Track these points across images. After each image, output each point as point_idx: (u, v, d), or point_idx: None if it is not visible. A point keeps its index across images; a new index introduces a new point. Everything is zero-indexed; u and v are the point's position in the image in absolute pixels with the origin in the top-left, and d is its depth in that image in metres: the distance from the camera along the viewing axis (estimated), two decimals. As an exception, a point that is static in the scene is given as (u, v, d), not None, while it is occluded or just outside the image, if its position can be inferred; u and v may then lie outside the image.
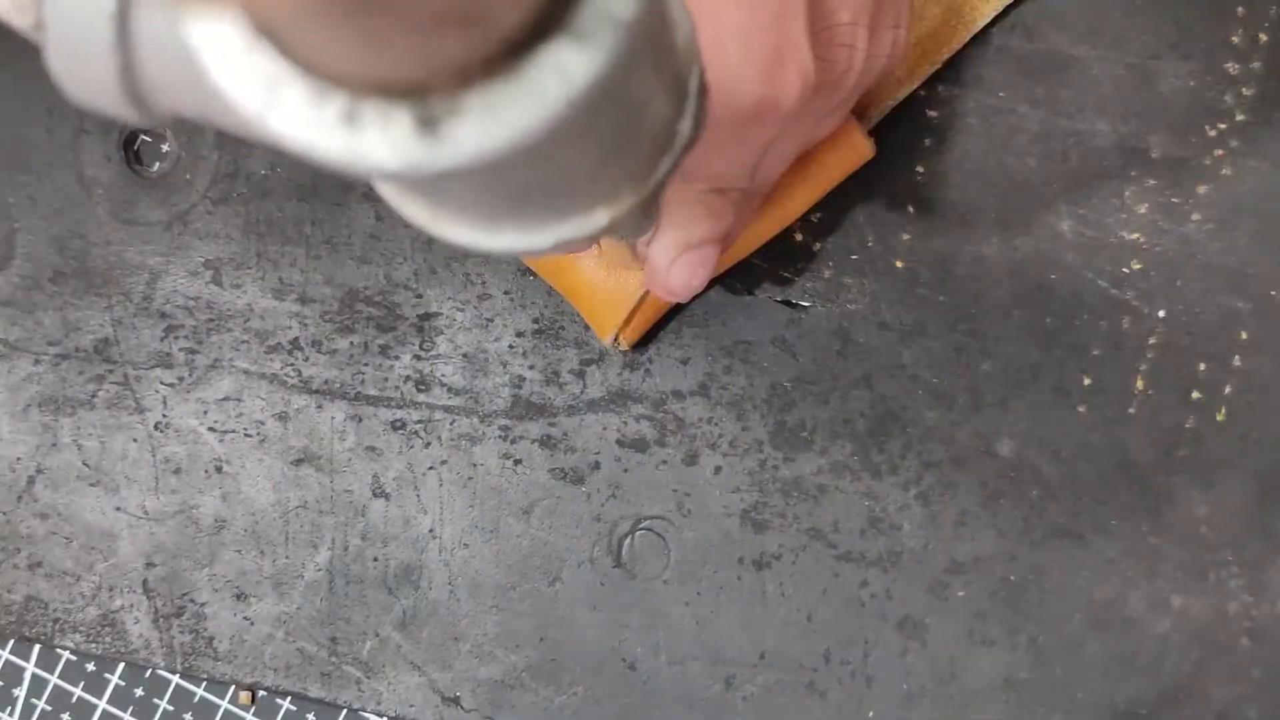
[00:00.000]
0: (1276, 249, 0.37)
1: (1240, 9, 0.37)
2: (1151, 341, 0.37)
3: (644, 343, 0.37)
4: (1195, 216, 0.37)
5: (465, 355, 0.38)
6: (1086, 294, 0.37)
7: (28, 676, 0.40)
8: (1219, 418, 0.37)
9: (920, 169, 0.37)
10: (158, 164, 0.39)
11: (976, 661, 0.37)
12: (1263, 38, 0.37)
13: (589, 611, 0.38)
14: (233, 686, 0.40)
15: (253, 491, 0.38)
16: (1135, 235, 0.37)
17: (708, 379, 0.38)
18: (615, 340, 0.36)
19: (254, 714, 0.40)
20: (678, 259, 0.31)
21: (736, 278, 0.38)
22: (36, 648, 0.40)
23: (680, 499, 0.38)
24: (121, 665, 0.40)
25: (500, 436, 0.38)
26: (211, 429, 0.38)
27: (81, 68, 0.16)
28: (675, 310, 0.37)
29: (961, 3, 0.36)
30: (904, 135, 0.37)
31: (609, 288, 0.35)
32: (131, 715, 0.40)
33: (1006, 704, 0.37)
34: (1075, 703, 0.37)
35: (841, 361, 0.38)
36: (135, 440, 0.38)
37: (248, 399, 0.38)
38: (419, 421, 0.38)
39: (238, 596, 0.38)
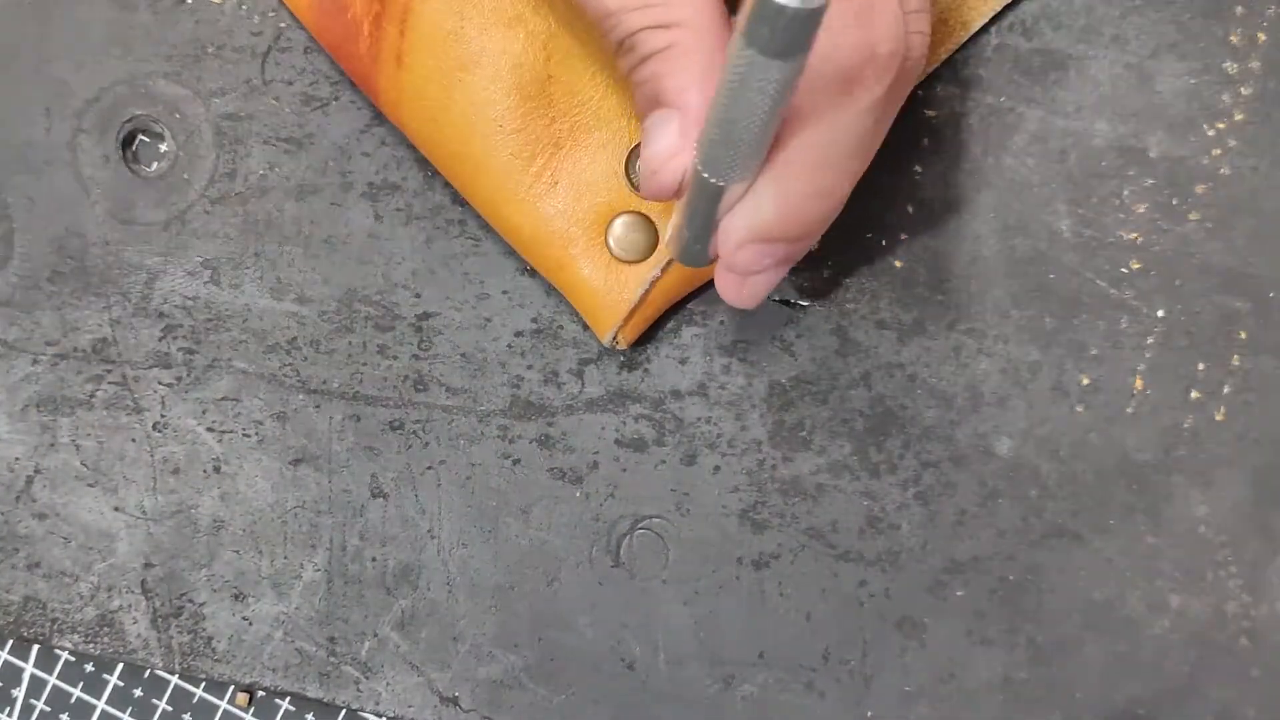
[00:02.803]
0: (1275, 249, 0.37)
1: (1239, 8, 0.37)
2: (1150, 341, 0.37)
3: (642, 341, 0.37)
4: (1194, 216, 0.37)
5: (464, 355, 0.38)
6: (1085, 293, 0.37)
7: (26, 677, 0.40)
8: (1218, 417, 0.37)
9: (918, 169, 0.37)
10: (156, 163, 0.39)
11: (975, 661, 0.37)
12: (1261, 37, 0.37)
13: (587, 611, 0.38)
14: (231, 687, 0.40)
15: (251, 492, 0.38)
16: (1134, 235, 0.37)
17: (706, 378, 0.38)
18: (614, 340, 0.36)
19: (252, 714, 0.40)
20: (748, 245, 0.30)
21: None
22: (35, 648, 0.40)
23: (679, 499, 0.38)
24: (120, 666, 0.40)
25: (499, 436, 0.38)
26: (210, 429, 0.38)
27: None
28: (673, 309, 0.37)
29: (959, 3, 0.36)
30: (902, 135, 0.37)
31: (608, 287, 0.35)
32: (130, 716, 0.40)
33: (1005, 703, 0.37)
34: (1074, 702, 0.37)
35: (840, 361, 0.38)
36: (133, 440, 0.38)
37: (246, 399, 0.38)
38: (417, 421, 0.38)
39: (236, 597, 0.38)
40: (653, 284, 0.35)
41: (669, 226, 0.32)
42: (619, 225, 0.35)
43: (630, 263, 0.35)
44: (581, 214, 0.35)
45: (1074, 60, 0.37)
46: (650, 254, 0.35)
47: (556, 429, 0.38)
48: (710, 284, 0.37)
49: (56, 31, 0.38)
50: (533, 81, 0.34)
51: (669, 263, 0.35)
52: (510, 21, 0.33)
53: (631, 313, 0.36)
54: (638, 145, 0.34)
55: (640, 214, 0.35)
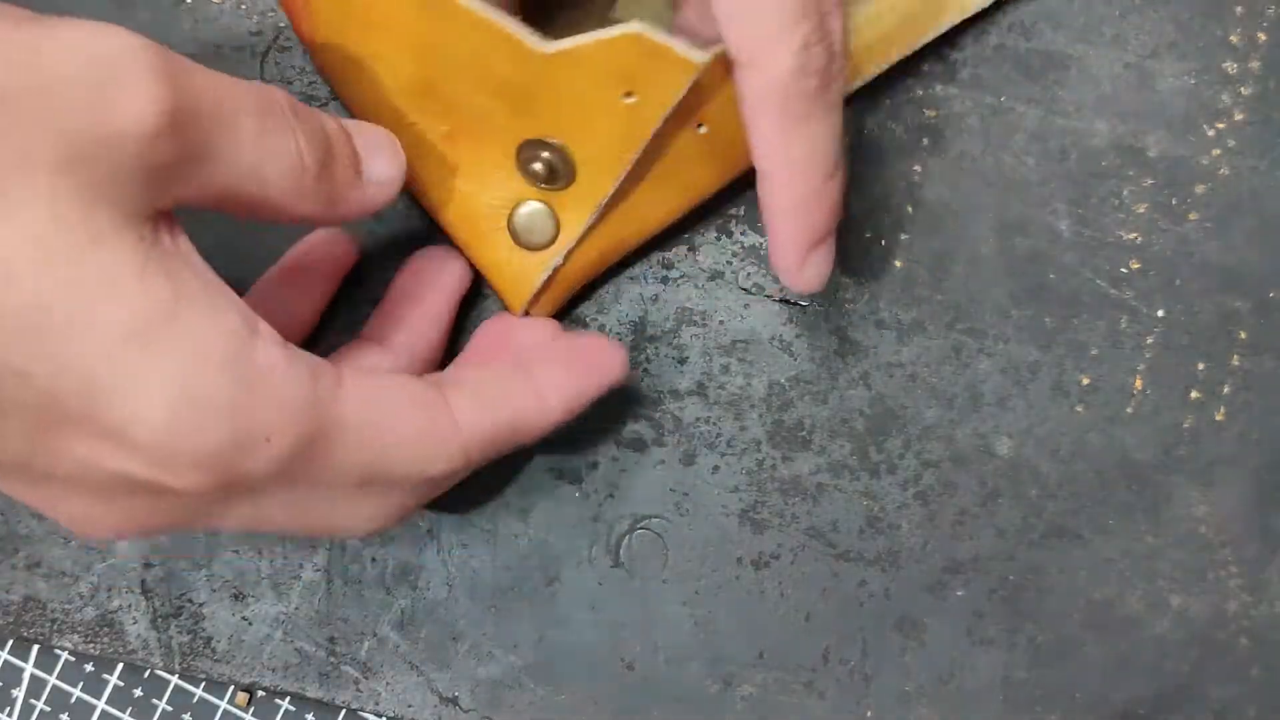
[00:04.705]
0: (1275, 248, 0.37)
1: (1239, 8, 0.37)
2: (1150, 341, 0.37)
3: (562, 314, 0.37)
4: (1193, 216, 0.37)
5: (463, 355, 0.38)
6: (1085, 293, 0.37)
7: (26, 677, 0.40)
8: (1218, 417, 0.37)
9: (918, 168, 0.37)
10: (156, 164, 0.38)
11: (975, 661, 0.37)
12: (1261, 37, 0.37)
13: (587, 611, 0.38)
14: (231, 687, 0.40)
15: (251, 491, 0.38)
16: (1133, 235, 0.37)
17: (705, 378, 0.38)
18: (526, 313, 0.36)
19: (252, 714, 0.40)
20: (808, 257, 0.32)
21: (734, 277, 0.38)
22: (35, 648, 0.40)
23: (678, 499, 0.38)
24: (120, 665, 0.40)
25: (498, 436, 0.38)
26: (209, 429, 0.38)
27: None
28: (591, 284, 0.37)
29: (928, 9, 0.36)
30: (901, 135, 0.37)
31: (513, 271, 0.35)
32: (130, 716, 0.40)
33: (1005, 704, 0.37)
34: (1074, 702, 0.37)
35: (839, 360, 0.38)
36: (133, 440, 0.38)
37: (246, 399, 0.38)
38: (417, 421, 0.38)
39: (236, 597, 0.38)
40: (556, 270, 0.35)
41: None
42: (520, 214, 0.35)
43: (533, 249, 0.35)
44: (482, 201, 0.35)
45: (1074, 60, 0.37)
46: (551, 242, 0.35)
47: (556, 429, 0.38)
48: (705, 284, 0.37)
49: (56, 32, 0.38)
50: (416, 83, 0.33)
51: (572, 250, 0.35)
52: (379, 28, 0.33)
53: (537, 295, 0.36)
54: (530, 140, 0.33)
55: (543, 203, 0.34)
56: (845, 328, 0.38)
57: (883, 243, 0.37)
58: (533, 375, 0.32)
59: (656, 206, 0.35)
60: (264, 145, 0.27)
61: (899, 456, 0.37)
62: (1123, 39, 0.37)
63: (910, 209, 0.37)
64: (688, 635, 0.37)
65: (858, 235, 0.37)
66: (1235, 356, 0.37)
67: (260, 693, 0.40)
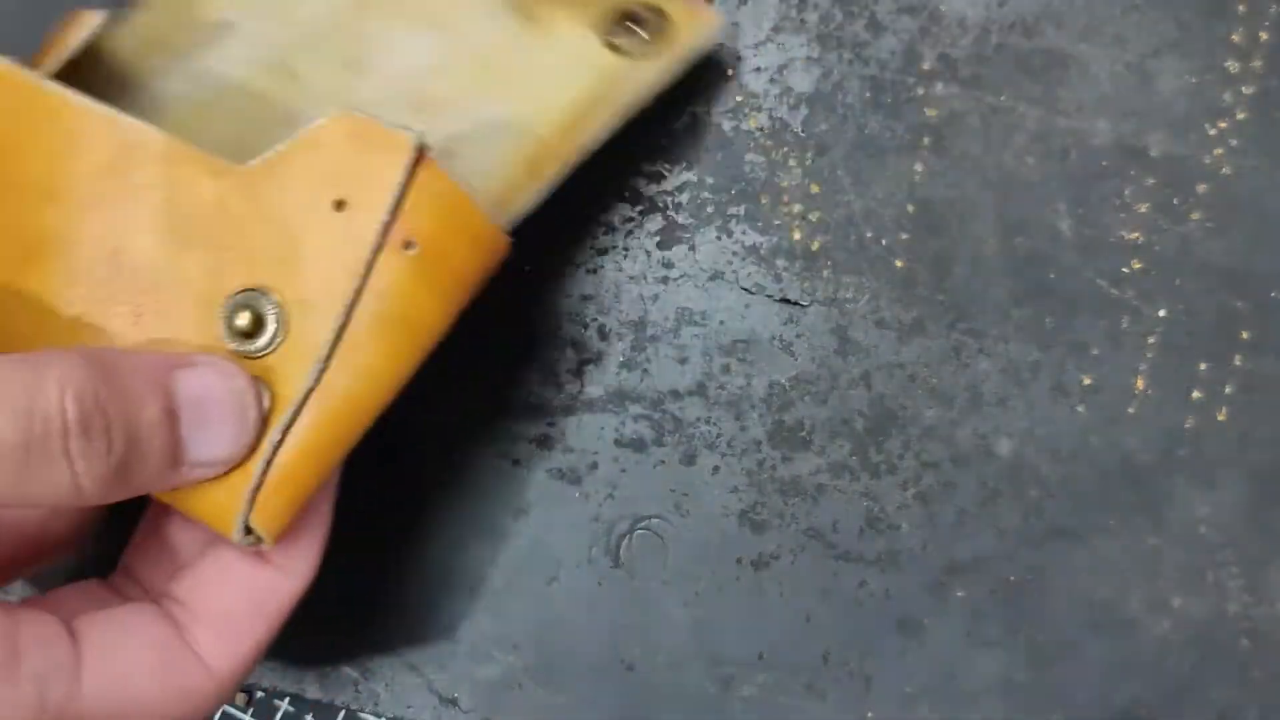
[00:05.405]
0: (1276, 248, 0.37)
1: (1241, 7, 0.37)
2: (1151, 341, 0.37)
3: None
4: (1195, 215, 0.37)
5: (463, 354, 0.38)
6: (1086, 293, 0.37)
7: (26, 676, 0.40)
8: (1219, 417, 0.37)
9: (919, 168, 0.37)
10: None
11: (975, 662, 0.37)
12: (1263, 36, 0.37)
13: (587, 612, 0.38)
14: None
15: (250, 492, 0.38)
16: (1135, 234, 0.37)
17: (705, 378, 0.38)
18: (247, 532, 0.28)
19: (251, 714, 0.40)
20: None
21: (734, 277, 0.37)
22: (34, 648, 0.40)
23: (678, 499, 0.38)
24: (119, 665, 0.40)
25: (498, 436, 0.38)
26: (209, 429, 0.38)
27: None
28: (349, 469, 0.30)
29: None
30: (903, 135, 0.37)
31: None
32: (130, 715, 0.40)
33: (1005, 705, 0.37)
34: (1074, 703, 0.37)
35: (840, 360, 0.37)
36: (132, 440, 0.38)
37: (245, 399, 0.38)
38: (417, 421, 0.38)
39: (235, 597, 0.38)
40: (275, 451, 0.27)
41: None
42: None
43: None
44: None
45: (1075, 59, 0.37)
46: (264, 419, 0.27)
47: (556, 429, 0.38)
48: (709, 283, 0.37)
49: (55, 31, 0.38)
50: (97, 263, 0.27)
51: (290, 424, 0.27)
52: (50, 200, 0.27)
53: (254, 493, 0.27)
54: (235, 293, 0.27)
55: (253, 374, 0.28)
56: (845, 328, 0.37)
57: (883, 243, 0.37)
58: (271, 552, 0.29)
59: (385, 355, 0.28)
60: (25, 482, 0.24)
61: (899, 457, 0.37)
62: (1124, 38, 0.37)
63: (910, 209, 0.37)
64: (687, 636, 0.37)
65: (858, 235, 0.37)
66: (1237, 356, 0.37)
67: (259, 693, 0.40)
